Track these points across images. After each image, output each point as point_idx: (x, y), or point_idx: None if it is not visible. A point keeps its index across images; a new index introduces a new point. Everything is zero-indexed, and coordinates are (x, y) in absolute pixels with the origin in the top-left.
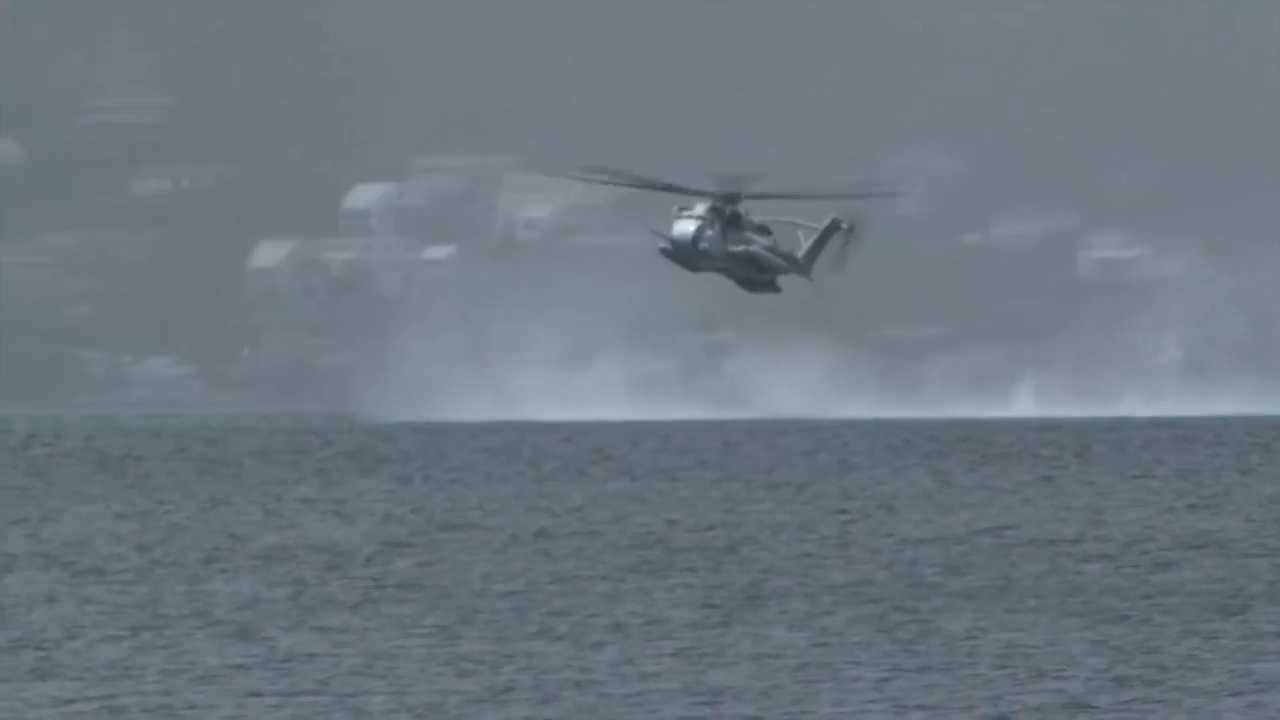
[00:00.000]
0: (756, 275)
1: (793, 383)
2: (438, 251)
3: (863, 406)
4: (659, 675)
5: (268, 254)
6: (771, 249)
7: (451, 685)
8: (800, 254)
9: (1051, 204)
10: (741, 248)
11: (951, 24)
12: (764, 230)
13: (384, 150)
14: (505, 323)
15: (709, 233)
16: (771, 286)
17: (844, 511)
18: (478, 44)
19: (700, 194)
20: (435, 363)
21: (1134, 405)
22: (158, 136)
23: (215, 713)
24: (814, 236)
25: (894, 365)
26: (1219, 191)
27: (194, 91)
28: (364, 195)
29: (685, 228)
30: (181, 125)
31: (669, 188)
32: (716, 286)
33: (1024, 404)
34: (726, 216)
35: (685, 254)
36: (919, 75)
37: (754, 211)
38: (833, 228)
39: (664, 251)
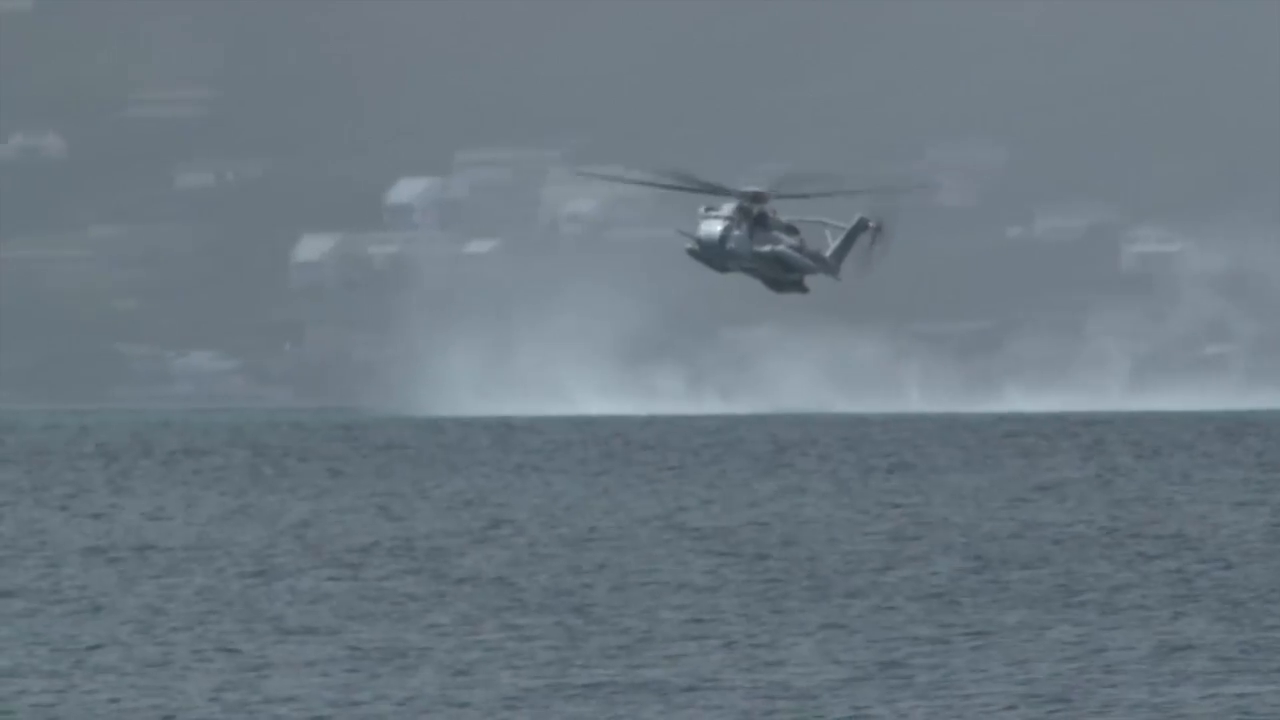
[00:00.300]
0: (783, 275)
1: (837, 376)
2: (481, 245)
3: (914, 400)
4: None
5: (311, 248)
6: (798, 248)
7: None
8: (828, 253)
9: (1094, 197)
10: (768, 248)
11: (995, 17)
12: (791, 230)
13: (427, 144)
14: (548, 316)
15: (736, 233)
16: (799, 286)
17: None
18: (521, 38)
19: (727, 193)
20: (478, 356)
21: (1188, 398)
22: (202, 130)
23: (309, 708)
24: (841, 235)
25: (939, 358)
26: (1262, 184)
27: (238, 85)
28: (407, 189)
29: (712, 228)
30: (225, 118)
31: (696, 188)
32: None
33: (1069, 397)
34: (753, 216)
35: (712, 255)
36: (962, 68)
37: (781, 211)
38: (860, 227)
39: (691, 252)
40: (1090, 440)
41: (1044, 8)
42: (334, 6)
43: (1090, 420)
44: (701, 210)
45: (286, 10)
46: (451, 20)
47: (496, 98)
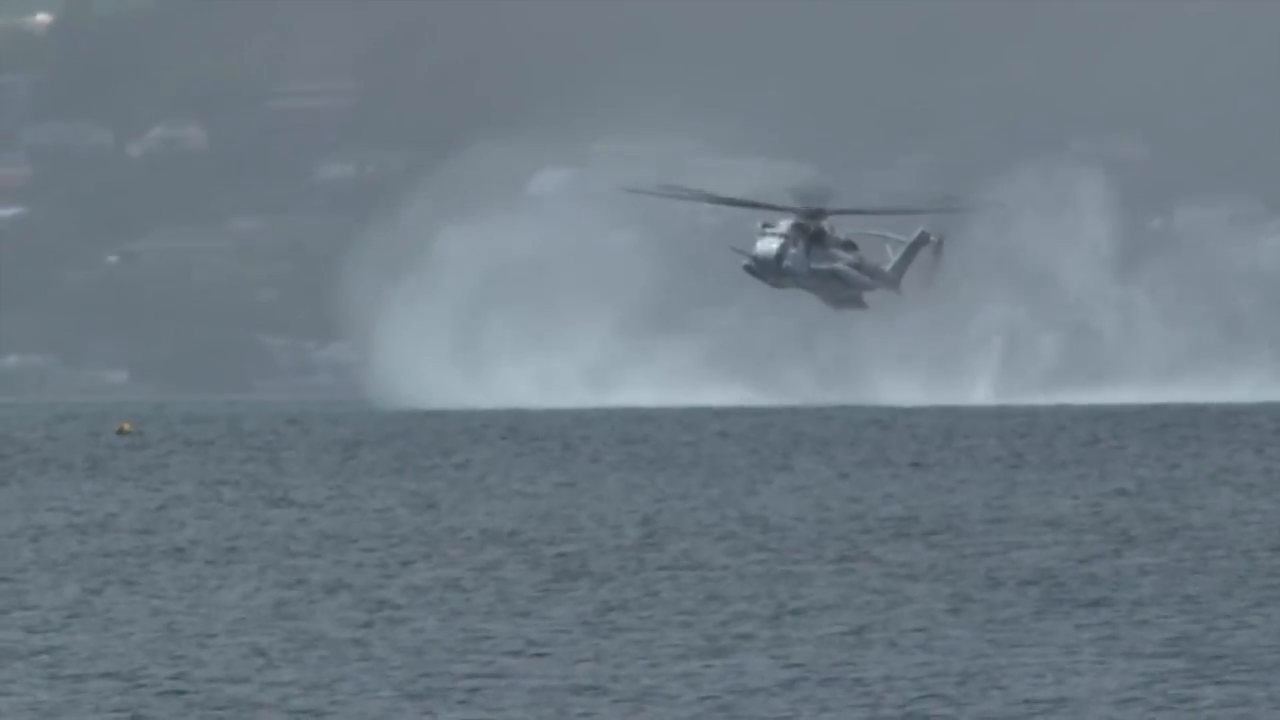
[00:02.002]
0: (842, 292)
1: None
2: (621, 237)
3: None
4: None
5: (452, 239)
6: (857, 265)
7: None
8: (888, 268)
9: (1235, 189)
10: (825, 265)
11: (1136, 10)
12: (849, 246)
13: (567, 136)
14: (685, 307)
15: (792, 250)
16: (858, 303)
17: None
18: (660, 28)
19: (785, 210)
20: (622, 345)
21: None
22: (343, 121)
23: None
24: (902, 250)
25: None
26: None
27: (379, 77)
28: (548, 180)
29: (768, 246)
30: (366, 110)
31: (754, 205)
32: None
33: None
34: (810, 233)
35: (768, 272)
36: (1104, 62)
37: (840, 226)
38: (921, 241)
39: (748, 269)
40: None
41: (1185, 3)
42: (476, 0)
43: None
44: (759, 226)
45: (429, 3)
46: (591, 13)
47: (636, 89)
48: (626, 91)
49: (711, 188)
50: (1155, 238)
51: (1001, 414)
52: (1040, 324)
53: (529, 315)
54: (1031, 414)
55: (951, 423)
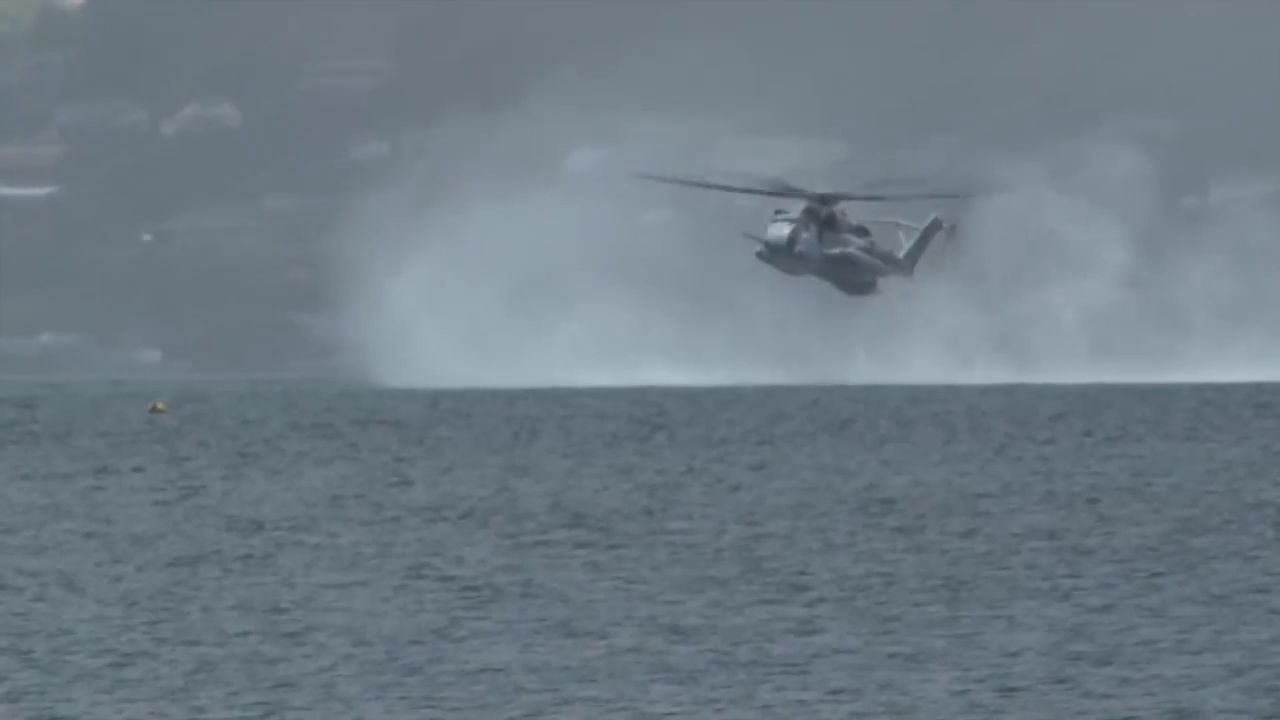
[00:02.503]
0: (854, 278)
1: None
2: (655, 216)
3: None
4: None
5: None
6: (869, 250)
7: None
8: (901, 254)
9: (1270, 166)
10: (838, 250)
11: None
12: (862, 231)
13: (601, 115)
14: (723, 285)
15: (804, 235)
16: (871, 289)
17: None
18: (694, 8)
19: (797, 195)
20: (657, 323)
21: None
22: (376, 100)
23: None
24: (915, 236)
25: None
26: None
27: (412, 55)
28: (582, 160)
29: (780, 231)
30: (400, 89)
31: (765, 190)
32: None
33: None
34: (822, 219)
35: (780, 258)
36: (1137, 38)
37: (853, 213)
38: (934, 227)
39: (759, 255)
40: None
41: None
42: None
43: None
44: (772, 213)
45: None
46: None
47: (667, 68)
48: (661, 71)
49: (735, 170)
50: (1189, 215)
51: (1041, 392)
52: (1075, 302)
53: (555, 294)
54: (1061, 393)
55: (1000, 401)
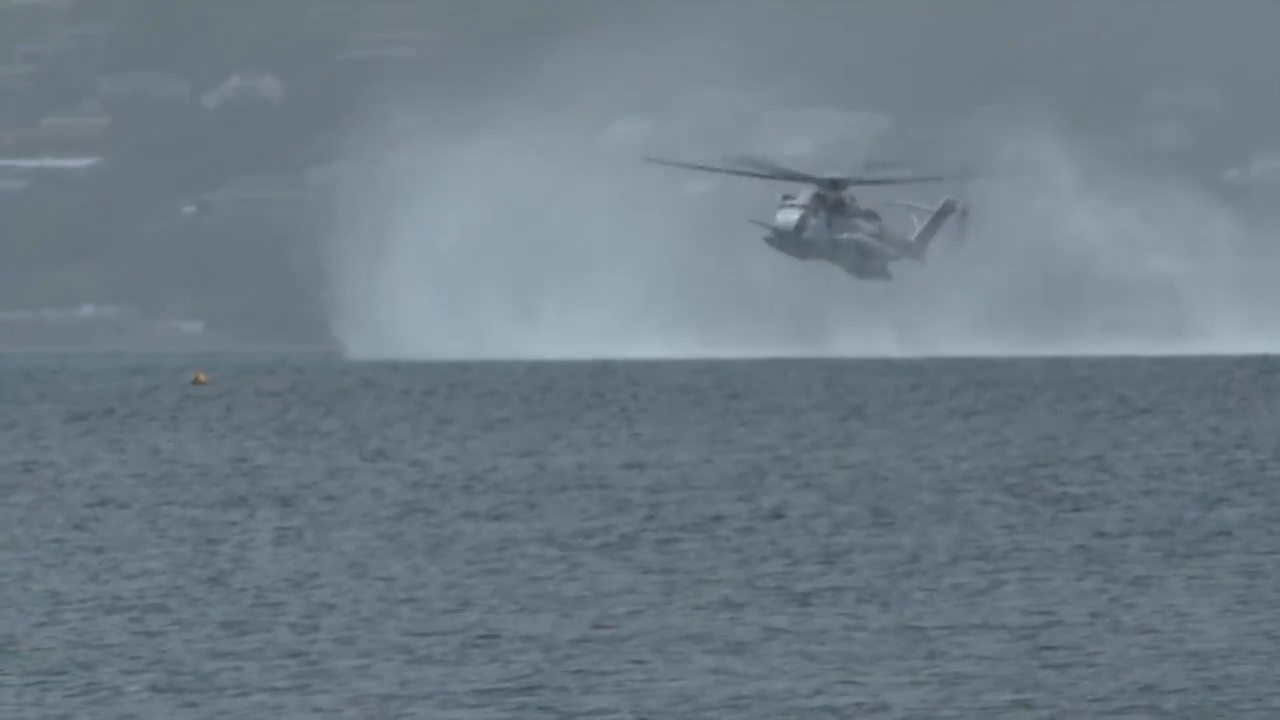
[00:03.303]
0: (864, 263)
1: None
2: (697, 187)
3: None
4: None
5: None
6: (879, 235)
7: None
8: (913, 236)
9: None
10: (847, 235)
11: None
12: (871, 215)
13: (644, 85)
14: (765, 256)
15: (812, 221)
16: (882, 273)
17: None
18: None
19: (806, 180)
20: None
21: None
22: (419, 72)
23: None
24: (927, 219)
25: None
26: None
27: (456, 27)
28: (624, 131)
29: (788, 217)
30: (443, 61)
31: (772, 174)
32: None
33: None
34: (831, 204)
35: (788, 244)
36: (1180, 12)
37: (863, 197)
38: (946, 209)
39: (768, 241)
40: None
41: None
42: None
43: None
44: (780, 199)
45: None
46: None
47: (713, 38)
48: (703, 42)
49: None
50: (1231, 187)
51: (1098, 364)
52: (1116, 276)
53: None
54: (1101, 364)
55: (1051, 373)
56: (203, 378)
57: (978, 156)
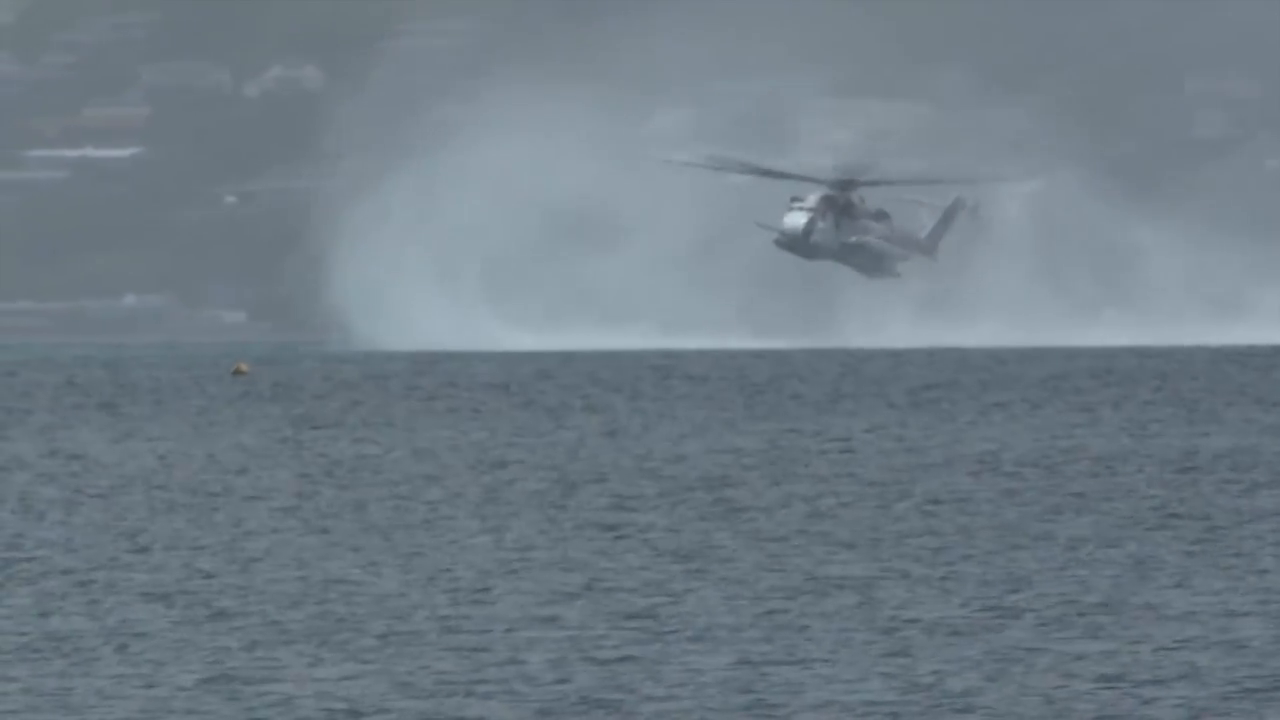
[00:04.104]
0: (873, 265)
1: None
2: (738, 178)
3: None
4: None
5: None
6: (888, 235)
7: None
8: (924, 235)
9: None
10: (855, 238)
11: None
12: (881, 215)
13: (684, 74)
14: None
15: (820, 224)
16: (891, 273)
17: None
18: None
19: (814, 181)
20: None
21: None
22: (462, 62)
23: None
24: (937, 217)
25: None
26: None
27: (498, 15)
28: (664, 121)
29: (796, 220)
30: (484, 49)
31: (789, 176)
32: None
33: None
34: (839, 206)
35: (797, 246)
36: (1220, 1)
37: (872, 196)
38: (957, 207)
39: (777, 243)
40: None
41: None
42: None
43: None
44: (789, 201)
45: None
46: None
47: (753, 28)
48: (744, 31)
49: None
50: (1273, 176)
51: (1137, 353)
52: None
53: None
54: (1143, 354)
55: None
56: (244, 368)
57: (1005, 153)
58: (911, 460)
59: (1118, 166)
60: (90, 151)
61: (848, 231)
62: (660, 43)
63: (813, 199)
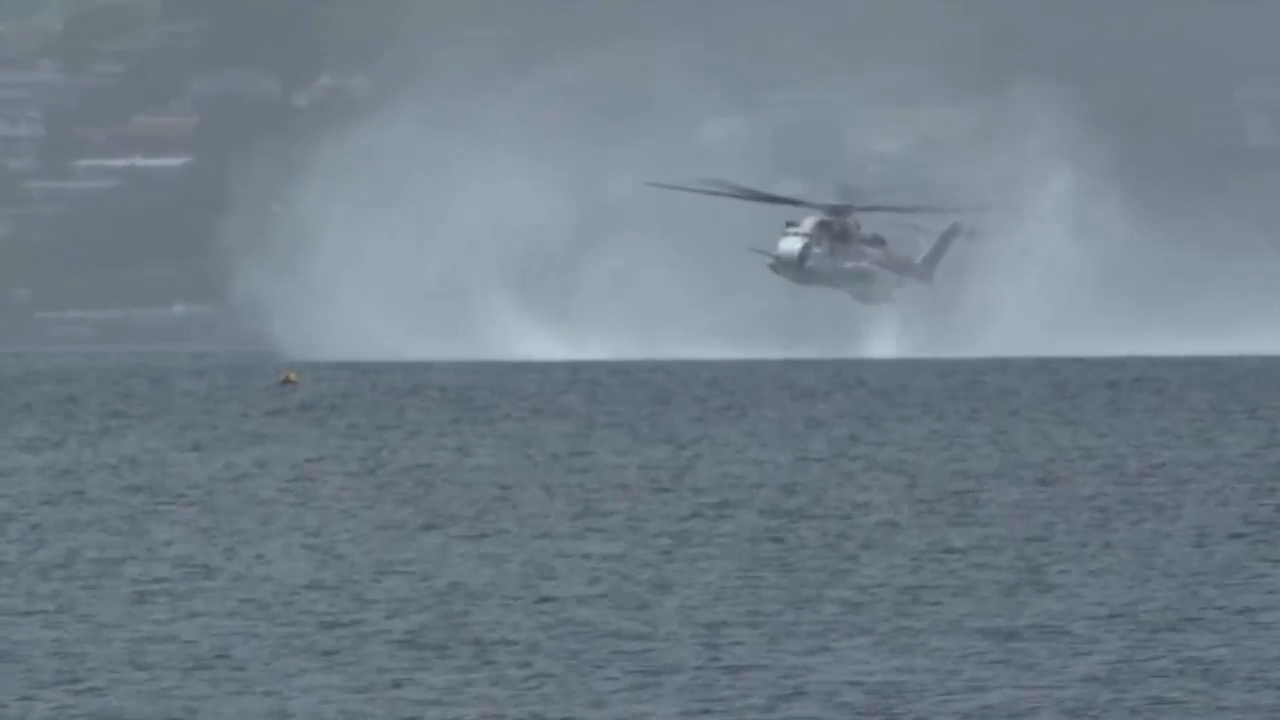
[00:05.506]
0: (868, 291)
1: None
2: (787, 188)
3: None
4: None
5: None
6: (884, 261)
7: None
8: (920, 259)
9: None
10: (851, 264)
11: None
12: (877, 241)
13: (733, 83)
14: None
15: (816, 250)
16: (886, 298)
17: None
18: None
19: (809, 207)
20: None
21: None
22: (501, 70)
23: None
24: (934, 241)
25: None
26: None
27: (540, 25)
28: (713, 130)
29: (791, 246)
30: (526, 58)
31: (777, 200)
32: None
33: None
34: (835, 231)
35: (792, 272)
36: (1269, 7)
37: (868, 222)
38: (953, 232)
39: (772, 268)
40: None
41: None
42: None
43: None
44: (785, 226)
45: None
46: None
47: (801, 36)
48: (796, 39)
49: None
50: None
51: (1186, 364)
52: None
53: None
54: (1183, 364)
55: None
56: (293, 377)
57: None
58: (996, 466)
59: (1163, 173)
60: (139, 161)
61: (843, 257)
62: (710, 49)
63: (808, 223)
